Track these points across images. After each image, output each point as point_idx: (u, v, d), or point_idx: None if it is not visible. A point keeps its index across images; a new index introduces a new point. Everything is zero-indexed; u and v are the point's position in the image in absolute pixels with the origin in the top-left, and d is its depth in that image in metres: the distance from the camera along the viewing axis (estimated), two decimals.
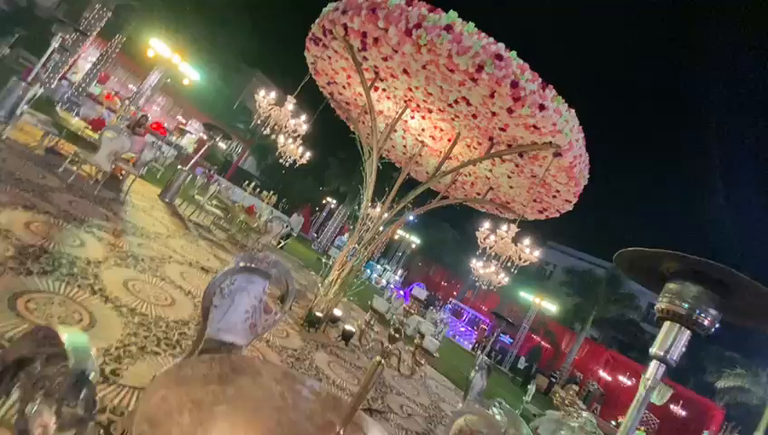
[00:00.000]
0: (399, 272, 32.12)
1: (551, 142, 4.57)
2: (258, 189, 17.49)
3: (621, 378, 24.01)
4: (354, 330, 6.12)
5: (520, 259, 5.19)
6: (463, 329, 23.59)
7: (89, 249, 3.82)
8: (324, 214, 36.71)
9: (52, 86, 14.36)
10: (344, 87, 6.85)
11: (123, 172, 7.40)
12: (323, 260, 12.76)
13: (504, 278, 6.74)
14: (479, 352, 17.55)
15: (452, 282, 34.72)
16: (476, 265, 7.01)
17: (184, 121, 32.78)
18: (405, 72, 5.05)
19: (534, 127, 4.43)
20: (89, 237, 4.12)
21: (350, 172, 28.46)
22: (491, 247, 5.60)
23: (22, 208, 3.86)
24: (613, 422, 18.61)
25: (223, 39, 19.56)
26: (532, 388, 9.02)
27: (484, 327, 23.99)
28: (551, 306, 21.12)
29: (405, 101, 6.06)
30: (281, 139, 8.21)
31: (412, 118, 6.50)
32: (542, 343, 25.56)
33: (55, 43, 6.94)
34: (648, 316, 33.75)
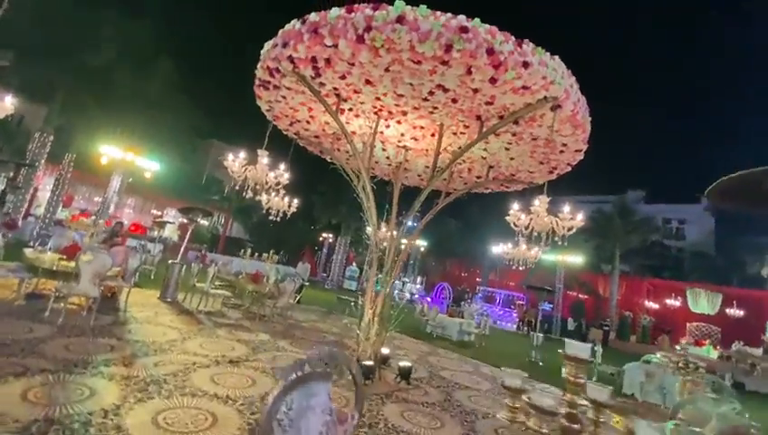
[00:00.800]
0: (418, 279, 31.48)
1: (545, 98, 4.20)
2: (255, 253, 16.96)
3: (668, 301, 23.51)
4: (410, 364, 5.60)
5: (564, 229, 4.76)
6: (501, 312, 22.99)
7: (101, 396, 3.29)
8: (325, 250, 36.11)
9: (19, 227, 13.77)
10: (308, 122, 6.47)
11: (115, 289, 6.88)
12: (345, 298, 12.26)
13: (538, 252, 6.30)
14: (530, 331, 16.93)
15: (471, 270, 34.17)
16: (507, 247, 6.56)
17: (159, 213, 32.22)
18: (368, 82, 4.68)
19: (524, 88, 4.06)
20: (97, 381, 3.59)
21: (336, 202, 28.07)
22: (527, 227, 5.17)
23: (13, 378, 3.33)
24: (678, 347, 18.07)
25: (168, 122, 19.18)
26: (598, 348, 8.48)
27: (521, 302, 23.40)
28: (575, 259, 20.67)
29: (375, 113, 5.68)
30: (263, 196, 7.79)
31: (387, 127, 6.13)
32: (580, 296, 25.04)
33: (1, 185, 6.48)
34: (668, 232, 33.52)
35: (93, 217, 16.76)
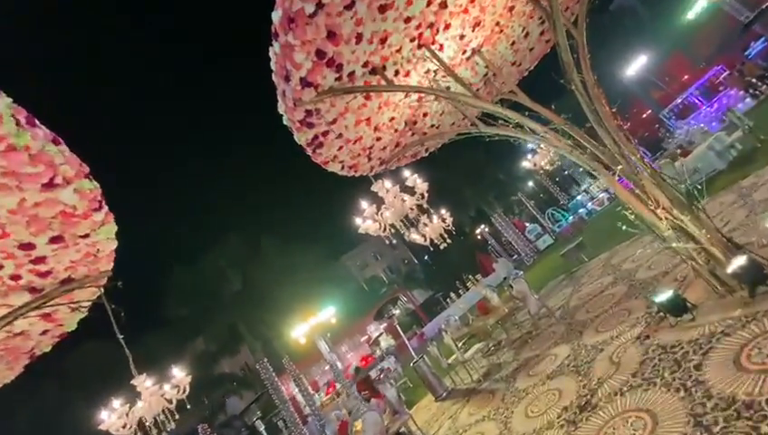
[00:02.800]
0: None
1: None
2: (449, 295, 16.00)
3: None
4: None
5: None
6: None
7: None
8: (491, 241, 33.69)
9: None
10: (378, 139, 5.38)
11: (398, 427, 6.23)
12: (565, 251, 10.04)
13: None
14: None
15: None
16: None
17: (366, 336, 34.20)
18: (381, 8, 3.37)
19: None
20: None
21: (460, 199, 26.46)
22: None
23: None
24: None
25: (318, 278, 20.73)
26: None
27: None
28: None
29: (419, 46, 4.29)
30: (413, 234, 6.68)
31: (441, 49, 4.65)
32: None
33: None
34: None
35: (324, 385, 18.12)
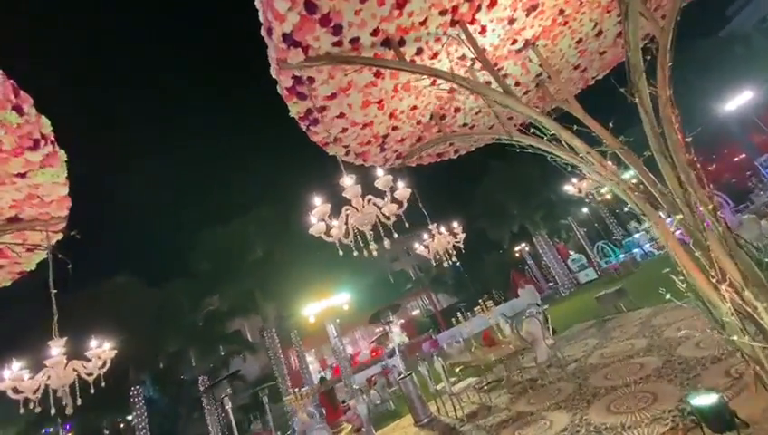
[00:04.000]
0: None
1: None
2: (467, 310, 15.01)
3: None
4: None
5: None
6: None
7: None
8: (530, 261, 31.62)
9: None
10: (395, 128, 4.68)
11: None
12: (603, 293, 8.74)
13: None
14: None
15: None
16: None
17: (378, 330, 33.94)
18: None
19: None
20: None
21: (501, 212, 24.85)
22: None
23: None
24: None
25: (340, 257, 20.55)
26: None
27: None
28: None
29: (452, 22, 3.52)
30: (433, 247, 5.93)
31: (482, 32, 3.83)
32: None
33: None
34: None
35: (330, 366, 17.77)
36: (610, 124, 3.47)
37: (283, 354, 20.64)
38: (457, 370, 7.38)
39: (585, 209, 27.77)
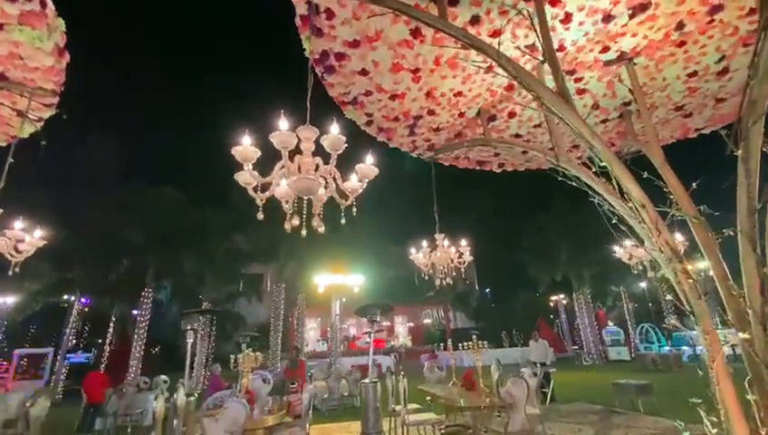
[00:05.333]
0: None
1: None
2: (480, 339, 13.87)
3: None
4: None
5: None
6: None
7: None
8: (563, 316, 29.14)
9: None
10: (432, 113, 4.01)
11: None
12: (624, 382, 7.43)
13: None
14: None
15: None
16: None
17: (388, 323, 33.30)
18: None
19: None
20: None
21: (550, 252, 22.93)
22: None
23: None
24: None
25: (363, 241, 20.13)
26: None
27: None
28: None
29: None
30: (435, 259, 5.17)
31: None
32: None
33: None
34: None
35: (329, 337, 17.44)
36: (693, 185, 2.56)
37: (290, 313, 20.95)
38: (428, 398, 6.68)
39: (643, 284, 24.81)
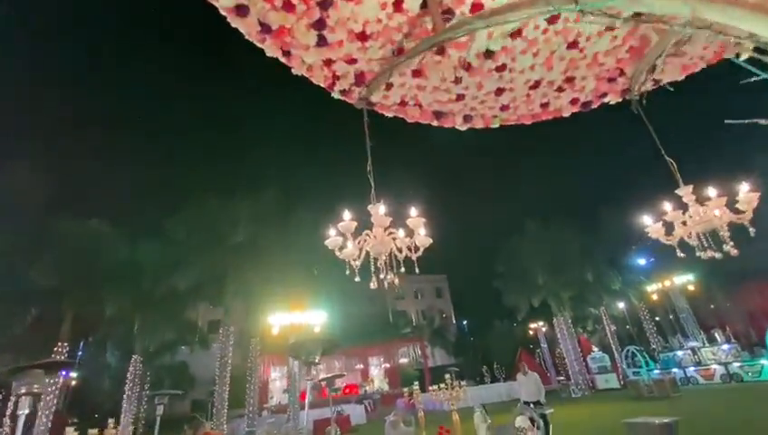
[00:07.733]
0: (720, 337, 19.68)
1: None
2: (459, 376, 11.98)
3: None
4: None
5: None
6: None
7: None
8: (544, 345, 27.49)
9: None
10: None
11: None
12: (635, 422, 5.67)
13: None
14: None
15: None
16: None
17: (362, 366, 29.97)
18: None
19: None
20: None
21: (521, 275, 21.63)
22: None
23: None
24: None
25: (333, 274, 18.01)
26: None
27: None
28: None
29: None
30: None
31: None
32: None
33: None
34: None
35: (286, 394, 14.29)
36: None
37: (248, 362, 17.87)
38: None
39: (622, 304, 23.77)
